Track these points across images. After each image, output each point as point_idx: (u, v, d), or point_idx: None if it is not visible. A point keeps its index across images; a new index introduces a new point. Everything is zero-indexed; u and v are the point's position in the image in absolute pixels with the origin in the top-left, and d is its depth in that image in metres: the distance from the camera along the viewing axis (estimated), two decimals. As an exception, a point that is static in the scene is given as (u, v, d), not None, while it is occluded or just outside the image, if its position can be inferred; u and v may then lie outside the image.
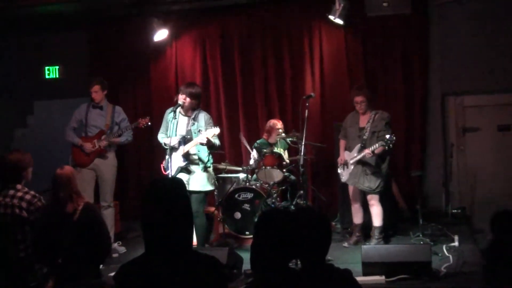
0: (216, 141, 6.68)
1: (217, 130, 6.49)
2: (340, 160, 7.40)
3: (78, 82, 9.73)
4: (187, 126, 6.69)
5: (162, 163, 6.85)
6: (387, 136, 6.67)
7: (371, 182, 7.03)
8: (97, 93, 7.51)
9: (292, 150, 8.49)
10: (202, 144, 6.52)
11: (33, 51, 10.00)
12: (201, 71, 9.53)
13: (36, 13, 9.05)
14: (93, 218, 4.86)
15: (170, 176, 6.48)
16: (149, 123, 7.45)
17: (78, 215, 4.77)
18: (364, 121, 7.15)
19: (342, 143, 7.46)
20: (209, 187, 6.80)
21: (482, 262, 3.34)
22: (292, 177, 8.22)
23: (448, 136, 8.87)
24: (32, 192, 5.27)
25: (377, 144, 6.79)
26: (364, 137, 7.03)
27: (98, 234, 4.82)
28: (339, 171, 7.46)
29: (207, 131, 6.45)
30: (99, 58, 9.89)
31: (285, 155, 8.34)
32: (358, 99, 7.10)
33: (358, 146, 7.08)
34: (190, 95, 6.62)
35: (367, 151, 6.85)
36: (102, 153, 7.41)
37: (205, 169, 6.72)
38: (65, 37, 9.97)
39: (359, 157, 7.00)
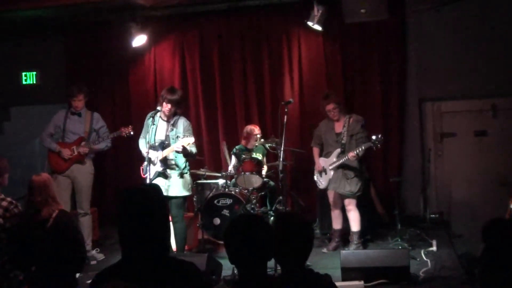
0: (193, 149, 6.68)
1: (191, 140, 6.47)
2: (317, 167, 7.43)
3: (55, 88, 9.66)
4: (166, 132, 6.67)
5: (142, 165, 6.82)
6: (373, 137, 6.73)
7: (352, 186, 7.10)
8: (81, 101, 7.47)
9: (271, 156, 8.50)
10: (177, 152, 6.51)
11: (9, 56, 9.89)
12: (180, 77, 9.50)
13: (13, 19, 8.96)
14: (67, 226, 4.79)
15: (148, 180, 6.46)
16: (132, 132, 7.37)
17: (52, 222, 4.71)
18: (340, 126, 7.23)
19: (315, 150, 7.54)
20: (185, 192, 6.78)
21: (477, 269, 3.39)
22: (271, 183, 8.23)
23: (425, 142, 8.92)
24: (9, 199, 5.22)
25: (362, 147, 6.84)
26: (343, 141, 7.09)
27: (72, 242, 4.74)
28: (315, 178, 7.50)
29: (183, 140, 6.43)
30: (77, 63, 9.80)
31: (264, 160, 8.34)
32: (329, 107, 7.18)
33: (337, 151, 7.12)
34: (173, 102, 6.60)
35: (351, 154, 6.88)
36: (80, 160, 7.35)
37: (182, 175, 6.70)
38: (42, 42, 9.86)
39: (339, 162, 7.05)
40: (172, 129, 6.66)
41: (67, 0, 8.18)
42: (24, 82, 9.97)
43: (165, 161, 6.64)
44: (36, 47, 9.87)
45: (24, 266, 4.85)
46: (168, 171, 6.65)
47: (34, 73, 9.94)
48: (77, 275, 5.50)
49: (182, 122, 6.72)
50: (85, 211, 7.44)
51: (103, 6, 8.65)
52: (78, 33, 9.78)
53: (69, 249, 4.69)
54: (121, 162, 9.57)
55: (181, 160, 6.68)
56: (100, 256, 7.51)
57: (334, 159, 7.14)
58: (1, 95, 9.96)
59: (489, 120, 8.65)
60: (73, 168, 7.34)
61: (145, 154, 6.60)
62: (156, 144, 6.61)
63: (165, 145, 6.61)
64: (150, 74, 9.65)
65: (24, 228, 4.80)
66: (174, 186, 6.63)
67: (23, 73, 9.95)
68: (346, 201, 7.20)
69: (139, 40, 8.96)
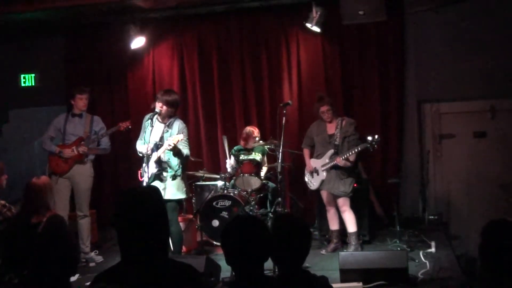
0: (184, 150, 6.59)
1: (180, 136, 6.39)
2: (308, 168, 7.46)
3: (54, 90, 9.66)
4: (161, 133, 6.65)
5: (139, 169, 6.81)
6: (369, 138, 6.76)
7: (346, 186, 7.13)
8: (86, 101, 7.47)
9: (270, 157, 8.50)
10: (168, 149, 6.45)
11: (8, 58, 9.88)
12: (178, 79, 9.51)
13: (12, 20, 8.97)
14: (58, 229, 4.74)
15: (145, 183, 6.43)
16: (130, 126, 7.42)
17: (43, 225, 4.67)
18: (332, 128, 7.26)
19: (306, 151, 7.58)
20: (179, 196, 6.68)
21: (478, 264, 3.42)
22: (271, 184, 8.23)
23: (424, 143, 8.93)
24: (2, 202, 5.22)
25: (359, 147, 6.87)
26: (336, 143, 7.13)
27: (63, 246, 4.70)
28: (306, 179, 7.52)
29: (172, 137, 6.38)
30: (76, 65, 9.80)
31: (264, 160, 8.34)
32: (324, 108, 7.22)
33: (330, 152, 7.15)
34: (167, 103, 6.58)
35: (338, 159, 6.93)
36: (80, 160, 7.34)
37: (174, 177, 6.62)
38: (41, 44, 9.87)
39: (332, 163, 7.07)
40: (167, 131, 6.63)
41: (66, 2, 8.18)
42: (23, 84, 9.98)
43: (159, 163, 6.61)
44: (35, 49, 9.88)
45: (17, 269, 4.83)
46: (164, 173, 6.63)
47: (33, 75, 9.95)
48: (73, 278, 5.48)
49: (177, 124, 6.69)
50: (85, 213, 7.43)
51: (102, 8, 8.65)
52: (77, 35, 9.79)
53: (60, 253, 4.65)
54: (119, 164, 9.56)
55: (174, 162, 6.61)
56: (99, 258, 7.50)
57: (327, 160, 7.17)
58: (0, 97, 9.96)
59: (488, 121, 8.65)
60: (74, 170, 7.33)
61: (143, 152, 6.56)
62: (151, 145, 6.57)
63: (159, 146, 6.58)
64: (149, 76, 9.65)
65: (16, 231, 4.78)
66: (168, 189, 6.57)
67: (22, 75, 9.96)
68: (340, 202, 7.20)
69: (138, 42, 8.98)
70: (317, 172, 7.31)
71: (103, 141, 7.53)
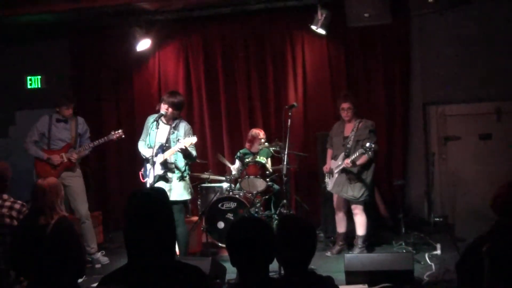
0: (193, 152, 6.64)
1: (194, 139, 6.45)
2: (325, 168, 7.45)
3: (60, 92, 9.65)
4: (167, 135, 6.66)
5: (140, 171, 6.82)
6: (367, 144, 6.71)
7: (355, 191, 7.08)
8: (70, 110, 7.45)
9: (276, 159, 8.51)
10: (179, 151, 6.47)
11: (14, 60, 9.91)
12: (184, 81, 9.53)
13: (18, 23, 9.00)
14: (66, 232, 4.73)
15: (148, 184, 6.45)
16: (123, 136, 7.40)
17: (52, 227, 4.66)
18: (349, 130, 7.23)
19: (329, 152, 7.55)
20: (186, 196, 6.72)
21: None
22: (276, 186, 8.23)
23: (429, 145, 8.92)
24: (20, 201, 5.27)
25: (357, 153, 6.84)
26: (348, 145, 7.09)
27: (71, 249, 4.69)
28: (326, 179, 7.51)
29: (185, 139, 6.41)
30: (82, 68, 9.84)
31: (269, 163, 8.35)
32: (345, 105, 7.19)
33: (342, 154, 7.12)
34: (173, 105, 6.59)
35: (346, 161, 6.91)
36: (70, 167, 7.34)
37: (182, 178, 6.65)
38: (47, 46, 9.89)
39: (342, 165, 7.05)
40: (173, 132, 6.65)
41: (72, 5, 8.20)
42: (29, 86, 10.00)
43: (165, 164, 6.62)
44: (40, 51, 9.89)
45: (27, 270, 4.83)
46: (169, 174, 6.64)
47: (39, 77, 9.97)
48: (78, 280, 5.48)
49: (183, 126, 6.71)
50: (85, 217, 7.39)
51: (107, 11, 8.67)
52: (83, 38, 9.81)
53: (68, 255, 4.65)
54: (124, 165, 9.57)
55: (181, 163, 6.64)
56: (105, 260, 7.49)
57: (340, 162, 7.15)
58: (6, 99, 9.99)
59: (494, 123, 8.64)
60: (63, 176, 7.28)
61: (147, 157, 6.58)
62: (156, 146, 6.57)
63: (165, 147, 6.59)
64: (154, 78, 9.67)
65: (25, 233, 4.78)
66: (175, 190, 6.58)
67: (28, 77, 9.99)
68: (352, 205, 7.21)
69: (144, 44, 9.00)
70: (332, 174, 7.31)
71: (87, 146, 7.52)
